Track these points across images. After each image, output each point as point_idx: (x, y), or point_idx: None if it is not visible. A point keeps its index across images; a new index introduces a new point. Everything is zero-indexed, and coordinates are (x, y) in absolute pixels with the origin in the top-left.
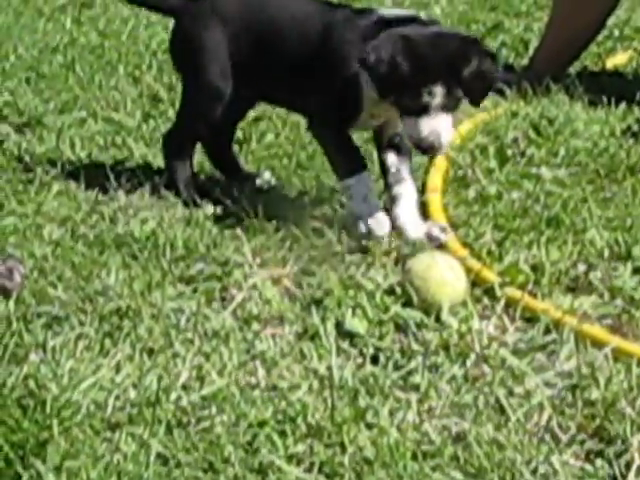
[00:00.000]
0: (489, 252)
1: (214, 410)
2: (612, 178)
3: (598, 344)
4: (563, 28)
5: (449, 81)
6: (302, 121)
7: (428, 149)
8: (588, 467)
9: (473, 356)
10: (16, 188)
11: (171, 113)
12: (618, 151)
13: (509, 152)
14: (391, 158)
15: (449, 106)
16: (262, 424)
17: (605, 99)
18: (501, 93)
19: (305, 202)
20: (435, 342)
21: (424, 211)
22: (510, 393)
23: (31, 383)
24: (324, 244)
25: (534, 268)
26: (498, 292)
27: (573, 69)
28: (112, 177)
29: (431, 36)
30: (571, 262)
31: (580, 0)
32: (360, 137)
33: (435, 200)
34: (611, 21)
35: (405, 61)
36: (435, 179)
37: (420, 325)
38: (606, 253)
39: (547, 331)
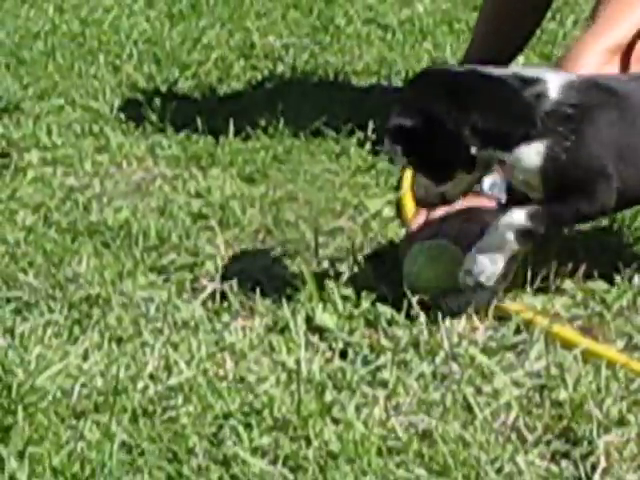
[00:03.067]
0: None
1: (180, 400)
2: None
3: (568, 346)
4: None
5: None
6: (279, 115)
7: None
8: (553, 468)
9: (442, 354)
10: None
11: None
12: None
13: None
14: None
15: None
16: (228, 416)
17: None
18: None
19: (280, 196)
20: (405, 339)
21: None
22: (478, 391)
23: None
24: (297, 237)
25: None
26: None
27: None
28: (88, 165)
29: None
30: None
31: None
32: None
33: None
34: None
35: None
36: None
37: (391, 321)
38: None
39: (518, 331)
